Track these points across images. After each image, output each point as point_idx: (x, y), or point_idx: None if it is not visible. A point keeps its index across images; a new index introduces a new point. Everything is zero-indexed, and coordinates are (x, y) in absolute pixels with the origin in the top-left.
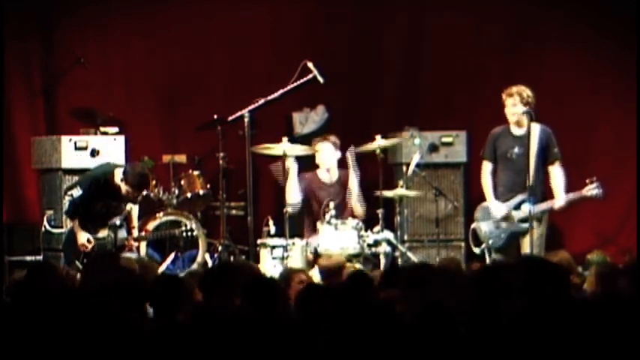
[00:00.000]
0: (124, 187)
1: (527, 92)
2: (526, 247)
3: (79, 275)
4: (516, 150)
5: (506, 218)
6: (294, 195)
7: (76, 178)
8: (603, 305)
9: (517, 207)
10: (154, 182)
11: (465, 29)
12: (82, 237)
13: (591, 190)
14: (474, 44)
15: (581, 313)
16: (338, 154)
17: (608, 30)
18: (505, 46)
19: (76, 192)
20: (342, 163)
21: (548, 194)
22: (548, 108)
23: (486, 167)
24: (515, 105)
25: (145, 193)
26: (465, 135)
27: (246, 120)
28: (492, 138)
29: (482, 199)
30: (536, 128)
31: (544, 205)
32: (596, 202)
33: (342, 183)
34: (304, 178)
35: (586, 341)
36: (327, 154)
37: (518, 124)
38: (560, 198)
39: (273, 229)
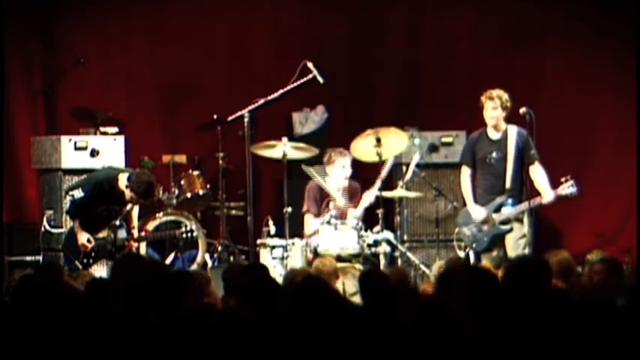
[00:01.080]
0: (128, 194)
1: (505, 96)
2: (510, 248)
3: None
4: (494, 154)
5: (486, 221)
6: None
7: (76, 178)
8: (592, 305)
9: (497, 209)
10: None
11: (465, 29)
12: (83, 237)
13: (566, 188)
14: (474, 44)
15: (569, 313)
16: (350, 172)
17: (608, 29)
18: (505, 46)
19: (78, 193)
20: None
21: (527, 195)
22: (548, 108)
23: (465, 172)
24: (495, 108)
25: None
26: (464, 135)
27: (246, 120)
28: (470, 143)
29: None
30: (512, 131)
31: (531, 202)
32: (596, 202)
33: (348, 194)
34: (312, 187)
35: (576, 341)
36: (344, 171)
37: (496, 127)
38: (548, 193)
39: (273, 229)
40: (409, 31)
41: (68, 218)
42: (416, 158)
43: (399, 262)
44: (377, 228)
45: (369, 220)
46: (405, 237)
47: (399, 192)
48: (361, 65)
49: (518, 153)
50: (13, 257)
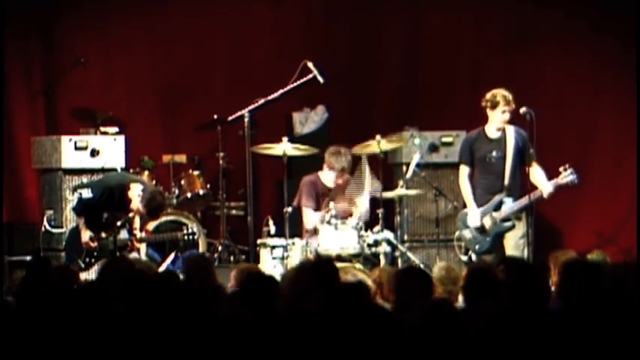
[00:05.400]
0: (135, 204)
1: None
2: (510, 247)
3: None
4: (494, 153)
5: (482, 229)
6: (313, 224)
7: (76, 178)
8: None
9: (497, 207)
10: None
11: (465, 29)
12: (86, 235)
13: (565, 177)
14: (474, 44)
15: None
16: (346, 177)
17: (608, 30)
18: (505, 46)
19: (86, 193)
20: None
21: (526, 194)
22: (548, 108)
23: (465, 171)
24: (510, 112)
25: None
26: (464, 135)
27: (246, 120)
28: (468, 142)
29: None
30: (510, 130)
31: (531, 196)
32: (596, 202)
33: (343, 187)
34: (306, 182)
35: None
36: (338, 174)
37: (499, 127)
38: (546, 185)
39: (273, 229)
40: (409, 31)
41: (73, 215)
42: (416, 158)
43: (399, 262)
44: (377, 228)
45: (369, 220)
46: (405, 237)
47: (399, 191)
48: (361, 65)
49: (517, 152)
50: (13, 257)
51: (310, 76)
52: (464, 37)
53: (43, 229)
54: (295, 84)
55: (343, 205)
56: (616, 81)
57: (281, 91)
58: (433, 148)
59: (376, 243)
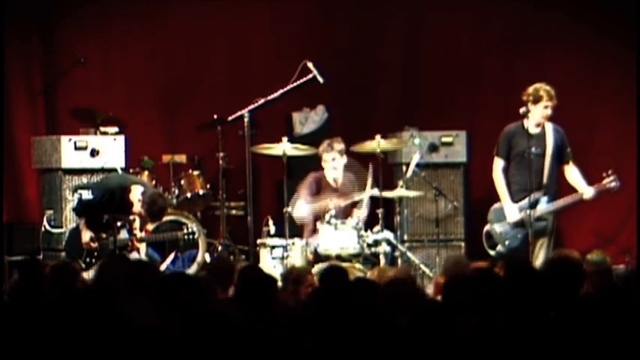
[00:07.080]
0: (137, 207)
1: None
2: (543, 247)
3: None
4: (534, 149)
5: (520, 224)
6: (302, 213)
7: (76, 178)
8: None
9: (533, 206)
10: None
11: (465, 29)
12: (86, 235)
13: (609, 183)
14: (474, 44)
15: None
16: (344, 160)
17: (608, 30)
18: (505, 46)
19: (86, 195)
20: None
21: (562, 193)
22: None
23: (499, 165)
24: (552, 107)
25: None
26: (464, 135)
27: (246, 120)
28: (507, 136)
29: (483, 198)
30: (549, 127)
31: (570, 199)
32: (596, 202)
33: (347, 187)
34: (312, 176)
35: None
36: (333, 164)
37: (538, 123)
38: (587, 189)
39: (273, 229)
40: (409, 31)
41: (73, 215)
42: (416, 158)
43: (399, 262)
44: (377, 228)
45: (369, 220)
46: (405, 237)
47: (399, 192)
48: (361, 65)
49: (556, 150)
50: (13, 257)
51: (310, 76)
52: (464, 36)
53: (43, 229)
54: (295, 84)
55: (343, 204)
56: (616, 81)
57: (281, 91)
58: (433, 148)
59: (376, 243)
